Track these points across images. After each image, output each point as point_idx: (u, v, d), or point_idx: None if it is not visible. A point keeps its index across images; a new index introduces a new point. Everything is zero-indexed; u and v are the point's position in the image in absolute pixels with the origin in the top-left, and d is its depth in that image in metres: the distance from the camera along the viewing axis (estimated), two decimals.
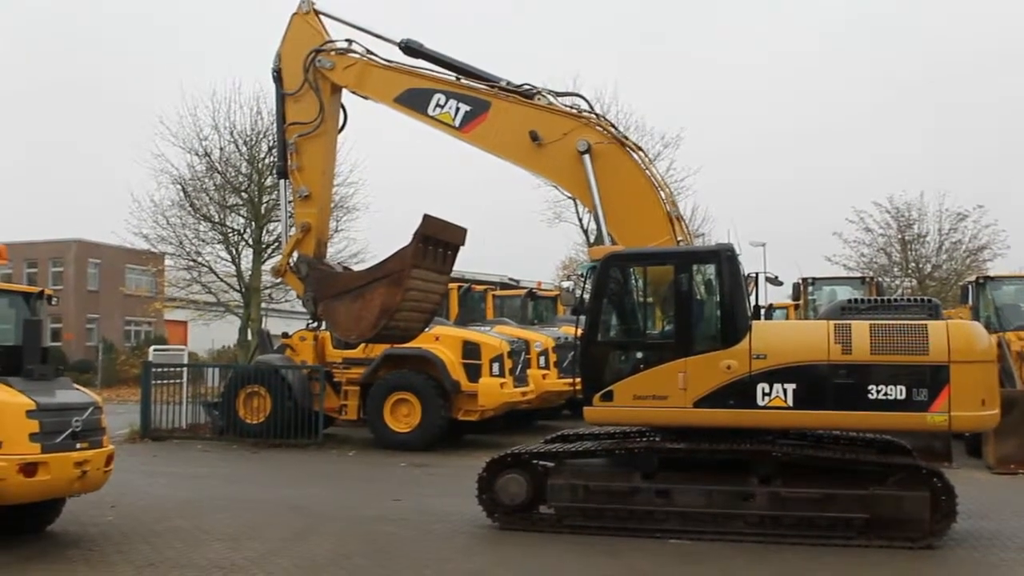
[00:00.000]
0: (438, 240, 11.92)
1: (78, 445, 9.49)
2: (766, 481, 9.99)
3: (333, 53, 12.66)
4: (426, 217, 11.61)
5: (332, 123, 12.96)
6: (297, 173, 12.88)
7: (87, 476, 9.60)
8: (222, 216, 34.51)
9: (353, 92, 12.81)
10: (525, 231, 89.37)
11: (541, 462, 10.86)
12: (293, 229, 13.14)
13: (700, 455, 10.19)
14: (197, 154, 33.96)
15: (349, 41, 12.72)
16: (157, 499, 12.45)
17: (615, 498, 10.36)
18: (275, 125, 13.92)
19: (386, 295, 11.68)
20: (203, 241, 34.98)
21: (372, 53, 12.64)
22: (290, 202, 13.34)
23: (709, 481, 10.16)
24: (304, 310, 12.94)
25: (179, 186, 34.30)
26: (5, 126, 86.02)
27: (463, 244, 12.50)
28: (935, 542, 9.62)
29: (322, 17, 12.99)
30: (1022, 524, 10.90)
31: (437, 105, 12.15)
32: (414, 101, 12.30)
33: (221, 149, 33.97)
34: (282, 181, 13.44)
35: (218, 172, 34.13)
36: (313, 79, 12.64)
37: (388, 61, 12.61)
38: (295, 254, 12.94)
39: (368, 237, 40.99)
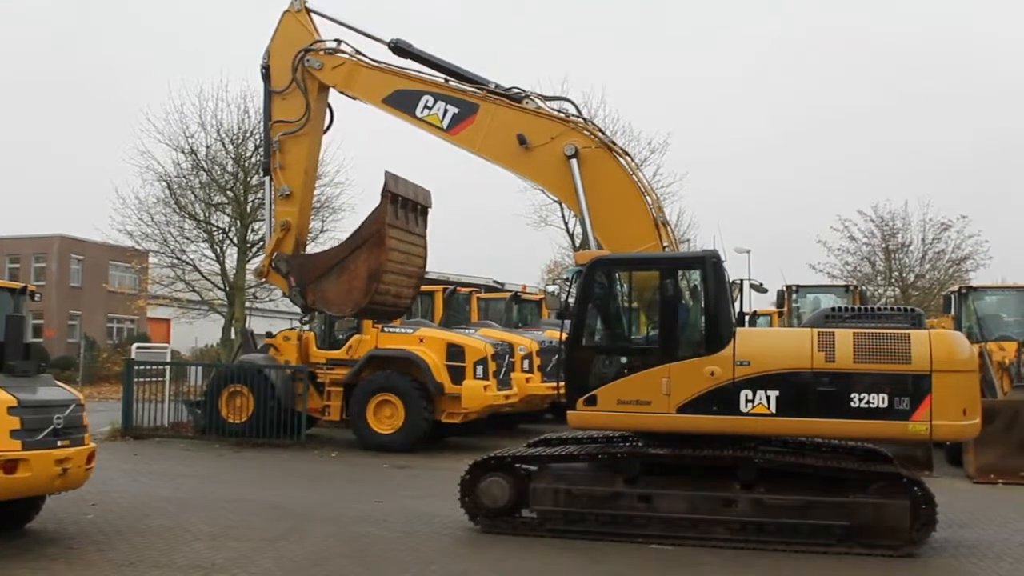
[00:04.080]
0: (407, 200, 12.07)
1: (59, 442, 9.44)
2: (748, 487, 10.01)
3: (322, 53, 12.66)
4: (387, 175, 11.80)
5: (317, 123, 12.97)
6: (279, 171, 12.87)
7: (68, 474, 9.54)
8: (207, 214, 34.44)
9: (341, 92, 12.82)
10: (511, 234, 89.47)
11: (524, 466, 10.86)
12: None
13: (683, 461, 10.20)
14: (183, 151, 33.92)
15: (338, 41, 12.73)
16: (138, 498, 12.39)
17: (597, 502, 10.37)
18: (261, 123, 13.93)
19: (370, 258, 11.81)
20: (188, 239, 34.92)
21: (361, 53, 12.65)
22: (275, 200, 13.34)
23: (691, 487, 10.17)
24: (289, 310, 13.00)
25: (164, 183, 34.22)
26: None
27: (431, 206, 12.69)
28: (915, 550, 9.66)
29: (313, 15, 12.99)
30: (1001, 533, 10.97)
31: (425, 107, 12.17)
32: (402, 102, 12.32)
33: (207, 147, 33.94)
34: (267, 179, 13.44)
35: (204, 170, 34.06)
36: (301, 78, 12.64)
37: (377, 62, 12.62)
38: (275, 253, 12.94)
39: None
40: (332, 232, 35.78)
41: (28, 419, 9.17)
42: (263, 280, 14.14)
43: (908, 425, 9.58)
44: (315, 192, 32.44)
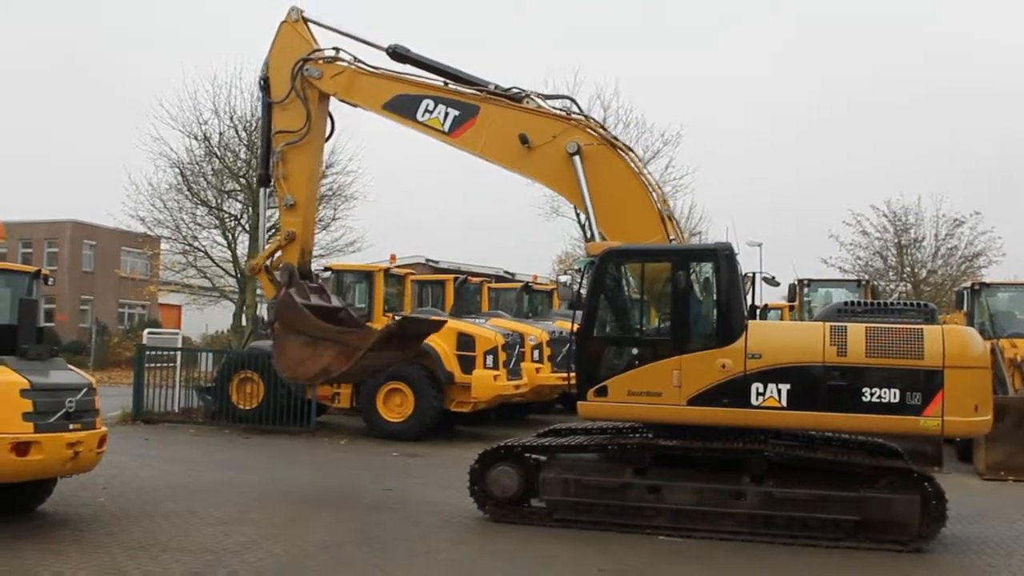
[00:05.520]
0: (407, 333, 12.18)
1: (71, 426, 9.49)
2: (758, 480, 10.00)
3: (321, 62, 12.61)
4: (405, 319, 11.83)
5: (319, 132, 12.93)
6: (283, 182, 12.83)
7: (79, 457, 9.60)
8: (219, 201, 34.48)
9: (341, 100, 12.76)
10: (522, 224, 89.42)
11: (533, 455, 10.88)
12: (271, 221, 13.19)
13: (693, 453, 10.20)
14: (196, 138, 33.94)
15: (336, 49, 12.67)
16: (148, 482, 12.46)
17: (607, 493, 10.37)
18: (259, 135, 13.92)
19: (333, 359, 11.79)
20: (200, 225, 34.96)
21: (360, 60, 12.59)
22: (272, 207, 13.37)
23: (701, 479, 10.17)
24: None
25: (177, 170, 34.27)
26: (6, 108, 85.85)
27: (435, 331, 12.66)
28: (924, 546, 9.64)
29: (311, 25, 12.93)
30: (1010, 530, 10.94)
31: (426, 111, 12.13)
32: (403, 107, 12.28)
33: (221, 134, 33.95)
34: (262, 189, 13.44)
35: (217, 157, 34.09)
36: (301, 88, 12.60)
37: (376, 68, 12.56)
38: (282, 264, 12.91)
39: (365, 226, 41.04)
40: (343, 220, 35.88)
41: (40, 402, 9.22)
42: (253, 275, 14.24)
43: (920, 420, 9.56)
44: (327, 181, 32.61)
